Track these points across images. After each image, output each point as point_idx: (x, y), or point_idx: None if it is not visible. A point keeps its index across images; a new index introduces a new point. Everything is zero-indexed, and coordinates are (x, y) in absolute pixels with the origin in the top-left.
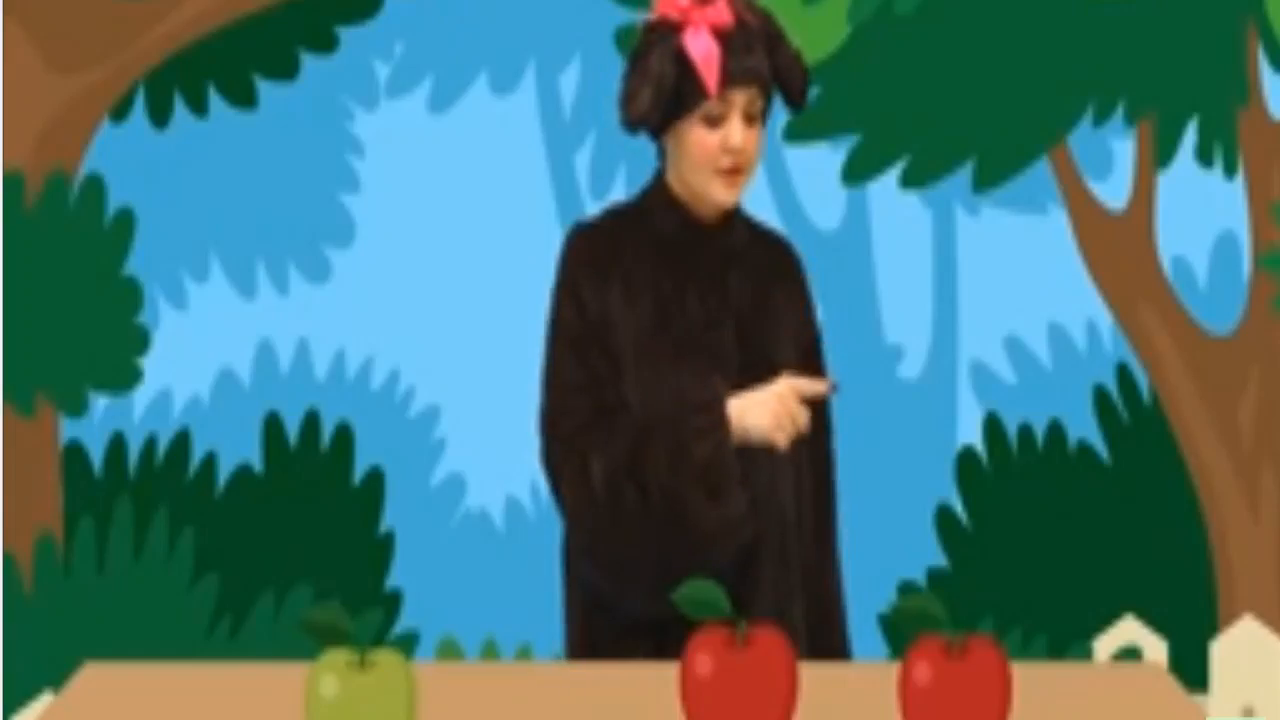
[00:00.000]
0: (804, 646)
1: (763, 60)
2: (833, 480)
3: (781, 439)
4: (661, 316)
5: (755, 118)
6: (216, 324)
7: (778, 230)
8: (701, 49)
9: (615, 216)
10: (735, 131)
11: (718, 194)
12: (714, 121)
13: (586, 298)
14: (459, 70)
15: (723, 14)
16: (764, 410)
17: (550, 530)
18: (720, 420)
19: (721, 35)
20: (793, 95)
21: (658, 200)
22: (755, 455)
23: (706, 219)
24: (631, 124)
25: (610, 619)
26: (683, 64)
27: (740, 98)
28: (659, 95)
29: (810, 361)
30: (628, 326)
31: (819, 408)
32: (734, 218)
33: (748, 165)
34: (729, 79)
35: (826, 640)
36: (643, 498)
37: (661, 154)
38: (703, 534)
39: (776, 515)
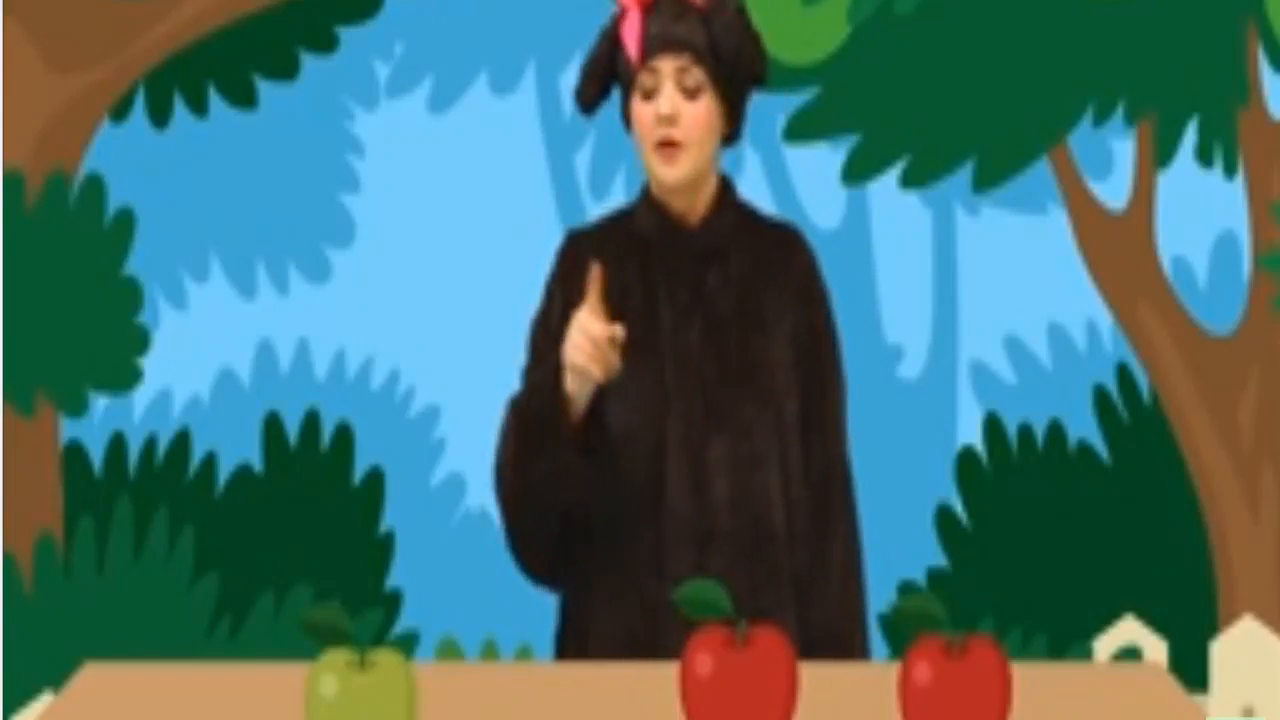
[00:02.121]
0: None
1: (695, 30)
2: (839, 493)
3: (582, 360)
4: (628, 318)
5: (695, 91)
6: (216, 324)
7: (786, 221)
8: (628, 23)
9: (606, 221)
10: (665, 100)
11: (657, 170)
12: (649, 94)
13: (555, 302)
14: (459, 70)
15: None
16: (566, 351)
17: None
18: (553, 372)
19: (647, 7)
20: (734, 64)
21: (640, 202)
22: (713, 460)
23: (685, 218)
24: (579, 107)
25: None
26: (617, 43)
27: (668, 66)
28: (592, 71)
29: (813, 357)
30: None
31: (823, 422)
32: (719, 213)
33: (687, 139)
34: (650, 46)
35: (833, 657)
36: (509, 470)
37: None
38: (531, 484)
39: (748, 521)
